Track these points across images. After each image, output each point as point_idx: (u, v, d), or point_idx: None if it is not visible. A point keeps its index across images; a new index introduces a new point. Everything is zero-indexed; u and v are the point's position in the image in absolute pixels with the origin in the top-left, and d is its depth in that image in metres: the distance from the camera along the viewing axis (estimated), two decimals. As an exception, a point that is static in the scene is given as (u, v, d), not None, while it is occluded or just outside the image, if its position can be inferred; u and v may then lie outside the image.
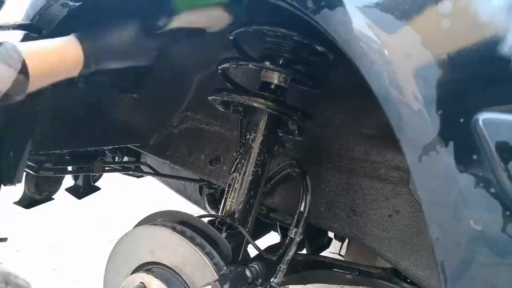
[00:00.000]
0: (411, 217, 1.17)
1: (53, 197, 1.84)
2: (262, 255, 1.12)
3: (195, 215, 1.08)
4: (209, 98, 1.16)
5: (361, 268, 1.41)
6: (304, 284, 1.45)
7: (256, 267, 1.02)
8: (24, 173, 1.33)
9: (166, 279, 0.96)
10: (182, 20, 0.91)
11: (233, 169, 1.13)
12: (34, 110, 1.09)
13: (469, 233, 0.56)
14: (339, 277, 1.43)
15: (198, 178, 1.78)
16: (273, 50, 1.08)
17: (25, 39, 0.97)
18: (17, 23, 0.98)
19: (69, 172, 1.75)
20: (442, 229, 0.58)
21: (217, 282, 0.88)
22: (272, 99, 1.07)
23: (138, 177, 2.19)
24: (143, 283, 0.97)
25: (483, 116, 0.54)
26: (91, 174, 1.97)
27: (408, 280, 1.35)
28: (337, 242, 1.99)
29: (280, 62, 1.08)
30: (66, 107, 1.30)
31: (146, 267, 1.03)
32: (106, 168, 1.84)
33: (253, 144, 1.11)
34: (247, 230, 1.10)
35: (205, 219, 1.08)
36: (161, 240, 1.01)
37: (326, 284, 1.96)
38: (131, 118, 1.57)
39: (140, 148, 1.73)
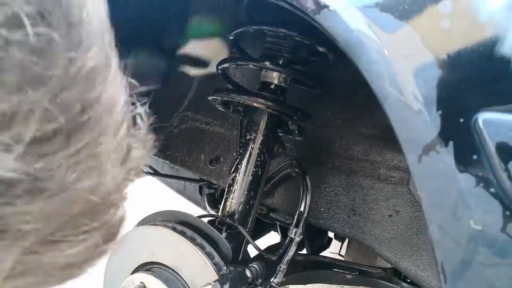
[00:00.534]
0: (411, 217, 1.17)
1: (53, 197, 1.84)
2: (262, 255, 1.12)
3: (195, 215, 1.08)
4: (209, 98, 1.16)
5: (361, 268, 1.41)
6: (304, 284, 1.45)
7: (256, 267, 1.02)
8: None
9: (166, 279, 0.96)
10: (190, 47, 0.95)
11: (233, 169, 1.13)
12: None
13: (469, 233, 0.56)
14: (339, 277, 1.43)
15: (198, 178, 1.78)
16: (273, 50, 1.09)
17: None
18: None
19: (69, 172, 1.75)
20: (442, 229, 0.58)
21: (217, 282, 0.88)
22: (272, 99, 1.07)
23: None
24: (143, 283, 0.97)
25: (483, 116, 0.54)
26: (91, 174, 1.97)
27: (408, 280, 1.35)
28: (337, 242, 1.98)
29: (280, 62, 1.08)
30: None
31: (146, 267, 1.03)
32: (106, 168, 1.84)
33: (253, 144, 1.11)
34: (247, 230, 1.10)
35: (205, 219, 1.08)
36: (161, 240, 1.01)
37: (326, 284, 1.96)
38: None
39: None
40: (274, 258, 1.13)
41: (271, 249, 1.26)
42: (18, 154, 0.24)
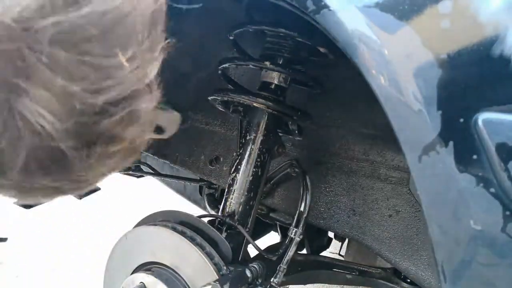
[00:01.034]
0: (411, 217, 1.17)
1: (53, 197, 1.84)
2: (262, 255, 1.12)
3: (195, 215, 1.08)
4: (209, 98, 1.16)
5: (361, 268, 1.41)
6: (304, 284, 1.45)
7: (256, 267, 1.02)
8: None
9: (166, 279, 0.96)
10: None
11: (233, 169, 1.13)
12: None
13: (469, 233, 0.56)
14: (339, 277, 1.43)
15: (198, 178, 1.78)
16: (273, 50, 1.09)
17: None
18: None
19: (69, 172, 1.74)
20: (442, 229, 0.58)
21: (217, 282, 0.88)
22: (272, 99, 1.07)
23: (138, 177, 2.18)
24: (143, 283, 0.97)
25: (483, 116, 0.54)
26: (91, 174, 1.97)
27: (408, 280, 1.35)
28: (337, 242, 1.99)
29: (280, 62, 1.08)
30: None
31: (146, 267, 1.03)
32: (106, 168, 1.84)
33: (253, 145, 1.11)
34: (247, 230, 1.10)
35: (205, 219, 1.08)
36: (161, 240, 1.01)
37: (326, 284, 1.96)
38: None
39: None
40: (274, 258, 1.13)
41: (271, 249, 1.26)
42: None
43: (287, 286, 1.50)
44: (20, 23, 0.32)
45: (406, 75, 0.57)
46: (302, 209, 1.16)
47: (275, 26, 0.99)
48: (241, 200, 1.10)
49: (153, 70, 0.49)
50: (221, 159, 1.53)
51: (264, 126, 1.11)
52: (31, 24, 0.33)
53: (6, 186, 0.42)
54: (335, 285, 2.17)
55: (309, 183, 1.17)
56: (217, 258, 0.95)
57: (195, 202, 2.12)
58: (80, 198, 2.04)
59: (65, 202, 2.11)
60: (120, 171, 1.97)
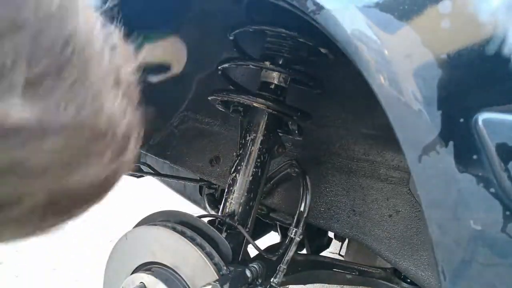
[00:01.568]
0: (411, 217, 1.17)
1: (53, 197, 1.84)
2: (262, 255, 1.12)
3: (195, 215, 1.08)
4: (209, 98, 1.16)
5: (361, 268, 1.41)
6: (304, 284, 1.45)
7: (256, 267, 1.02)
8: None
9: (166, 279, 0.96)
10: (146, 54, 0.92)
11: (233, 170, 1.13)
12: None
13: (469, 233, 0.56)
14: (339, 277, 1.43)
15: (198, 178, 1.78)
16: (273, 50, 1.09)
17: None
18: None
19: (69, 172, 1.74)
20: (442, 229, 0.58)
21: (217, 282, 0.88)
22: (272, 99, 1.07)
23: (138, 177, 2.18)
24: (143, 283, 0.97)
25: (483, 116, 0.54)
26: (91, 174, 1.97)
27: (408, 280, 1.35)
28: (337, 242, 1.98)
29: (280, 62, 1.08)
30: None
31: (146, 267, 1.03)
32: (106, 168, 1.84)
33: (253, 145, 1.11)
34: (247, 230, 1.10)
35: (205, 219, 1.08)
36: (161, 240, 1.01)
37: (326, 284, 1.96)
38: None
39: (140, 148, 1.72)
40: (274, 258, 1.13)
41: (271, 249, 1.26)
42: (17, 101, 0.25)
43: (287, 286, 1.50)
44: None
45: (406, 75, 0.57)
46: (302, 209, 1.16)
47: (275, 26, 0.99)
48: (241, 200, 1.10)
49: None
50: (221, 159, 1.53)
51: (264, 126, 1.11)
52: None
53: None
54: (335, 285, 2.17)
55: (309, 183, 1.17)
56: (217, 258, 0.95)
57: (195, 202, 2.12)
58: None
59: (65, 202, 2.11)
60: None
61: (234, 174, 1.12)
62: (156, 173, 1.96)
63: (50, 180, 0.30)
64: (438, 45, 0.56)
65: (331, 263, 1.43)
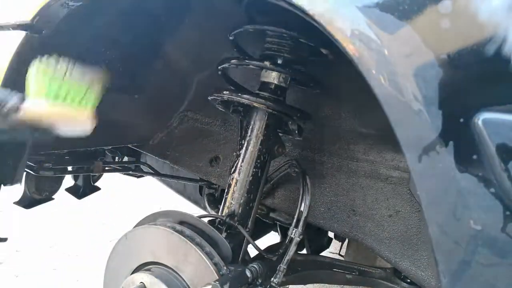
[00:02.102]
0: (411, 217, 1.17)
1: (53, 197, 1.84)
2: (262, 255, 1.12)
3: (195, 215, 1.08)
4: (209, 98, 1.16)
5: (361, 268, 1.41)
6: (304, 284, 1.45)
7: (256, 267, 1.02)
8: (24, 173, 1.33)
9: (166, 279, 0.96)
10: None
11: (233, 170, 1.13)
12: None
13: (469, 233, 0.56)
14: (339, 277, 1.43)
15: (198, 178, 1.78)
16: (273, 50, 1.08)
17: (25, 39, 0.97)
18: (17, 23, 0.98)
19: (69, 172, 1.75)
20: (442, 229, 0.58)
21: (217, 282, 0.88)
22: (273, 99, 1.07)
23: (138, 177, 2.19)
24: (143, 283, 0.97)
25: (483, 116, 0.54)
26: (91, 174, 1.97)
27: (408, 280, 1.35)
28: (337, 242, 1.99)
29: (280, 62, 1.08)
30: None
31: (146, 267, 1.03)
32: (106, 168, 1.84)
33: (253, 145, 1.11)
34: (247, 230, 1.10)
35: (205, 219, 1.08)
36: (161, 240, 1.01)
37: (326, 284, 1.96)
38: (131, 118, 1.57)
39: (140, 148, 1.73)
40: (274, 258, 1.13)
41: (271, 249, 1.26)
42: None
43: (287, 286, 1.50)
44: None
45: (406, 75, 0.57)
46: (302, 209, 1.16)
47: (275, 26, 0.99)
48: (241, 200, 1.10)
49: None
50: (221, 159, 1.53)
51: (264, 126, 1.11)
52: None
53: None
54: (335, 285, 2.17)
55: (309, 183, 1.17)
56: (217, 258, 0.95)
57: (195, 202, 2.12)
58: (80, 198, 2.04)
59: (65, 202, 2.12)
60: (120, 172, 1.97)
61: (234, 174, 1.12)
62: (156, 173, 1.96)
63: None
64: (438, 45, 0.56)
65: (331, 263, 1.43)
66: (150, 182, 2.37)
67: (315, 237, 1.77)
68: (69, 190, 2.02)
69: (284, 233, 1.69)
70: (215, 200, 1.77)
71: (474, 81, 0.56)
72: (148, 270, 1.01)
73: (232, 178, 1.12)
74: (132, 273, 1.04)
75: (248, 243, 1.09)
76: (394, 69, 0.58)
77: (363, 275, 1.40)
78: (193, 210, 1.74)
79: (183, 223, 1.03)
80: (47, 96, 0.84)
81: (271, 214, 1.50)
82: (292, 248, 1.11)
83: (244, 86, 1.22)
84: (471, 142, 0.55)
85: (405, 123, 0.58)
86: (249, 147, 1.11)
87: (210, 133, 1.58)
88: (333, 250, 2.11)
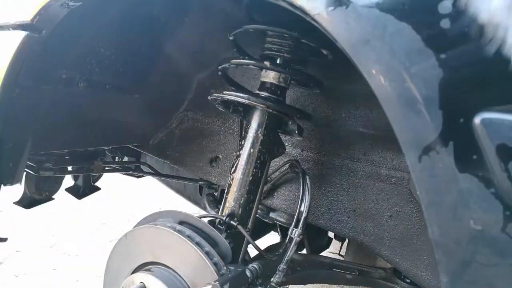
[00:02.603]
0: (411, 217, 1.17)
1: (53, 197, 1.84)
2: (262, 255, 1.12)
3: (195, 215, 1.08)
4: (209, 98, 1.16)
5: (361, 268, 1.41)
6: (304, 284, 1.45)
7: (256, 267, 1.02)
8: (24, 173, 1.33)
9: (166, 279, 0.96)
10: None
11: (233, 170, 1.13)
12: (34, 106, 1.09)
13: (469, 233, 0.56)
14: (339, 277, 1.43)
15: (198, 178, 1.78)
16: (273, 50, 1.08)
17: (25, 39, 0.97)
18: (17, 23, 0.98)
19: (69, 172, 1.75)
20: (442, 229, 0.58)
21: (217, 282, 0.88)
22: (272, 99, 1.07)
23: (138, 177, 2.19)
24: (143, 283, 0.97)
25: (483, 116, 0.54)
26: (91, 174, 1.97)
27: (408, 280, 1.35)
28: (337, 242, 1.99)
29: (280, 62, 1.08)
30: (66, 106, 1.30)
31: (146, 267, 1.03)
32: (106, 168, 1.84)
33: (253, 145, 1.11)
34: (247, 230, 1.10)
35: (205, 219, 1.08)
36: (161, 240, 1.01)
37: (326, 284, 1.96)
38: (131, 118, 1.57)
39: (140, 148, 1.73)
40: (274, 258, 1.13)
41: (271, 249, 1.26)
42: None
43: (287, 286, 1.50)
44: None
45: (406, 75, 0.57)
46: (302, 209, 1.16)
47: (275, 26, 0.99)
48: (241, 201, 1.10)
49: None
50: (221, 159, 1.53)
51: (264, 126, 1.11)
52: None
53: None
54: (335, 285, 2.17)
55: (309, 183, 1.17)
56: (216, 258, 0.95)
57: (195, 202, 2.12)
58: (80, 198, 2.04)
59: (65, 202, 2.12)
60: (120, 172, 1.97)
61: (234, 174, 1.12)
62: (156, 173, 1.96)
63: None
64: (438, 45, 0.56)
65: (331, 263, 1.43)
66: (150, 182, 2.37)
67: (315, 237, 1.77)
68: (69, 190, 2.02)
69: (284, 233, 1.69)
70: (215, 200, 1.78)
71: (474, 81, 0.56)
72: (148, 270, 1.01)
73: (232, 178, 1.12)
74: (132, 273, 1.04)
75: (248, 243, 1.09)
76: (394, 69, 0.58)
77: (363, 275, 1.40)
78: (193, 210, 1.74)
79: (183, 223, 1.03)
80: None
81: (271, 214, 1.50)
82: (292, 248, 1.11)
83: (244, 86, 1.22)
84: (471, 142, 0.55)
85: (405, 123, 0.58)
86: (249, 147, 1.11)
87: (210, 133, 1.58)
88: (333, 250, 2.11)
